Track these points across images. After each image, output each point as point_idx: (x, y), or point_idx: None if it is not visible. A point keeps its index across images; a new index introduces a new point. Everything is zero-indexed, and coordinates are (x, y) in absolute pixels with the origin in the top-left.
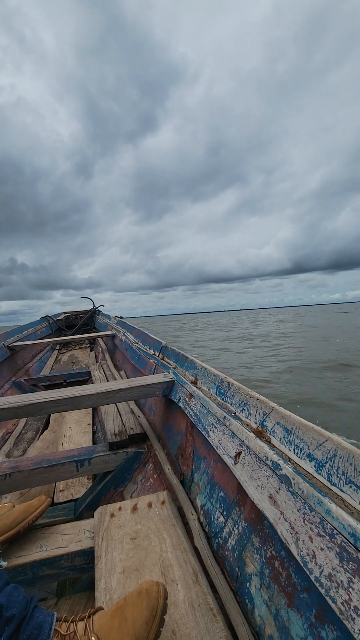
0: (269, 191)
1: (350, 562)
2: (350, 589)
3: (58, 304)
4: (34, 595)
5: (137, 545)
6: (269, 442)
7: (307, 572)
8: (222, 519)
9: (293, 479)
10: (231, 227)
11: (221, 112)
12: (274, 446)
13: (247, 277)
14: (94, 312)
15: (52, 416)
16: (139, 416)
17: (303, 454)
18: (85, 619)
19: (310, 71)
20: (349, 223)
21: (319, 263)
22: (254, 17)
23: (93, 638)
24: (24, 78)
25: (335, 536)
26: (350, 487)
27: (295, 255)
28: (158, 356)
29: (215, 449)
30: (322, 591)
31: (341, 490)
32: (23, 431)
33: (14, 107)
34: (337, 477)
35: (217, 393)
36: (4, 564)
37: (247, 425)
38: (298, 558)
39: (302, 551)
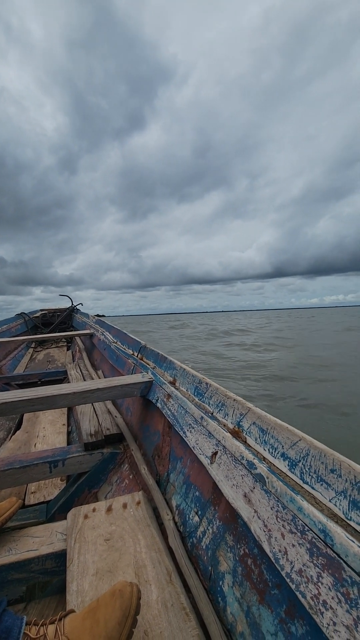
0: (252, 196)
1: (320, 557)
2: (319, 584)
3: (37, 300)
4: (3, 599)
5: (110, 546)
6: (244, 442)
7: (279, 569)
8: (197, 518)
9: (267, 478)
10: (215, 229)
11: (209, 115)
12: (250, 446)
13: (229, 279)
14: (72, 311)
15: (26, 416)
16: (115, 416)
17: (277, 453)
18: (55, 622)
19: (294, 81)
20: (328, 230)
21: (299, 268)
22: (243, 24)
23: None
24: (8, 68)
25: (306, 532)
26: (321, 484)
27: (276, 259)
28: (137, 356)
29: (192, 449)
30: (293, 586)
31: (312, 488)
32: None
33: None
34: (309, 475)
35: (195, 394)
36: None
37: (224, 425)
38: (270, 555)
39: (274, 548)
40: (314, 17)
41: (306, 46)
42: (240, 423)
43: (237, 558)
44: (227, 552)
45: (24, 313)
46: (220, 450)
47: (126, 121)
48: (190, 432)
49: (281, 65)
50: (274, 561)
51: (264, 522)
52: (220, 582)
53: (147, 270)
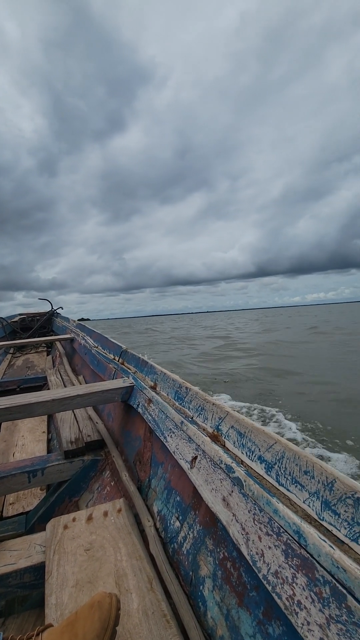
0: (234, 197)
1: (295, 558)
2: (294, 584)
3: (20, 305)
4: None
5: (91, 556)
6: (223, 446)
7: (256, 571)
8: (177, 523)
9: (245, 481)
10: (198, 230)
11: (188, 117)
12: (228, 449)
13: (213, 280)
14: (52, 315)
15: (3, 425)
16: (96, 422)
17: (254, 456)
18: (33, 637)
19: (271, 84)
20: (308, 230)
21: (281, 267)
22: (219, 26)
23: None
24: None
25: (282, 534)
26: (296, 486)
27: (258, 259)
28: (118, 361)
29: (173, 454)
30: (269, 588)
31: (287, 489)
32: None
33: None
34: (285, 477)
35: (176, 398)
36: None
37: (204, 429)
38: (248, 558)
39: (251, 551)
40: (288, 22)
41: (281, 50)
42: (219, 427)
43: (217, 562)
44: (208, 557)
45: (1, 318)
46: (200, 454)
47: (106, 123)
48: (171, 436)
49: (258, 69)
50: (251, 564)
51: (241, 525)
52: (201, 587)
53: (131, 272)
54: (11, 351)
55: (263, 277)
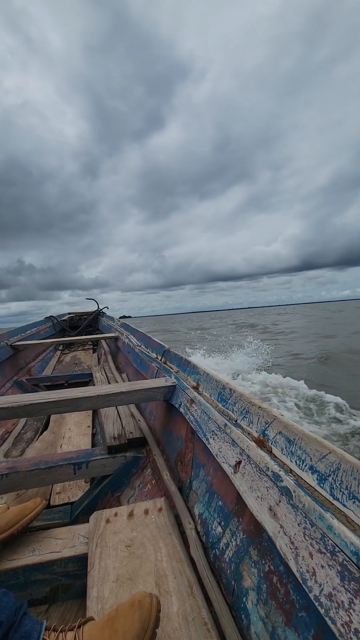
0: (276, 188)
1: (352, 582)
2: (351, 610)
3: (66, 304)
4: (24, 602)
5: (131, 553)
6: (270, 452)
7: (307, 590)
8: (219, 529)
9: (294, 492)
10: (238, 224)
11: (228, 109)
12: (275, 456)
13: (254, 274)
14: (98, 314)
15: (52, 417)
16: (139, 420)
17: (305, 465)
18: (75, 629)
19: (316, 66)
20: (359, 219)
21: (328, 260)
22: (259, 13)
23: None
24: (30, 79)
25: (337, 554)
26: (354, 502)
27: (303, 252)
28: (160, 360)
29: (215, 456)
30: (322, 611)
31: (344, 505)
32: (22, 431)
33: (20, 109)
34: (340, 491)
35: (219, 399)
36: None
37: (249, 433)
38: (297, 575)
39: (301, 568)
40: (331, 2)
41: (326, 30)
42: (266, 432)
43: (262, 574)
44: (251, 567)
45: (53, 316)
46: (244, 459)
47: (145, 122)
48: (214, 439)
49: (301, 52)
50: (301, 582)
51: (290, 538)
52: (244, 599)
53: (171, 269)
54: (60, 348)
55: (308, 271)
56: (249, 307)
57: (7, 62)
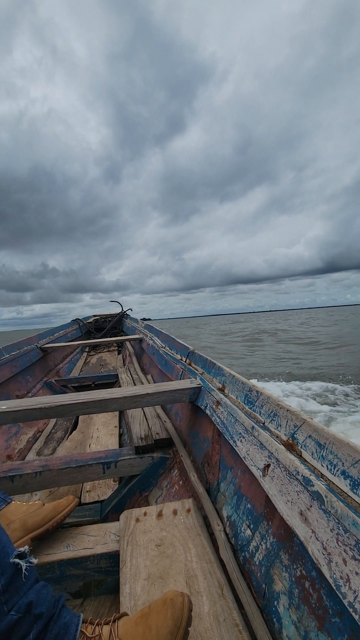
0: (299, 188)
1: None
2: None
3: (87, 306)
4: (62, 595)
5: (161, 552)
6: (300, 456)
7: (340, 596)
8: (249, 532)
9: (326, 497)
10: (259, 227)
11: (249, 110)
12: (306, 460)
13: (276, 277)
14: (122, 316)
15: (81, 417)
16: (165, 421)
17: (337, 470)
18: (110, 623)
19: (341, 63)
20: None
21: (354, 261)
22: (282, 11)
23: None
24: (55, 88)
25: None
26: None
27: (327, 253)
28: (185, 361)
29: (243, 459)
30: (356, 617)
31: None
32: (53, 430)
33: (45, 117)
34: None
35: (245, 402)
36: (35, 561)
37: (277, 436)
38: (330, 581)
39: (334, 574)
40: None
41: (353, 25)
42: (295, 435)
43: (294, 579)
44: (282, 572)
45: (79, 319)
46: (273, 462)
47: (166, 126)
48: (241, 441)
49: (325, 50)
50: (334, 588)
51: (322, 544)
52: (275, 602)
53: (191, 272)
54: (87, 350)
55: (332, 273)
56: (270, 310)
57: (34, 72)
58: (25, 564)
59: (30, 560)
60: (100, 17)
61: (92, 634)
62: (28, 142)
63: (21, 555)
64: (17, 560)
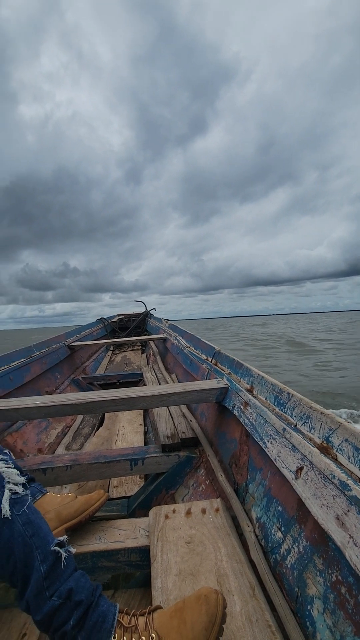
0: (323, 188)
1: None
2: None
3: (107, 306)
4: (99, 585)
5: (191, 550)
6: (335, 460)
7: None
8: (280, 534)
9: None
10: (280, 228)
11: (272, 109)
12: (342, 464)
13: (297, 279)
14: (145, 315)
15: (107, 414)
16: (190, 420)
17: None
18: (145, 615)
19: None
20: None
21: None
22: (307, 8)
23: (153, 634)
24: (80, 92)
25: None
26: None
27: (351, 255)
28: (211, 361)
29: (274, 461)
30: None
31: None
32: (80, 426)
33: (70, 120)
34: None
35: (276, 403)
36: (73, 550)
37: (310, 439)
38: None
39: None
40: None
41: None
42: (330, 438)
43: (329, 584)
44: (316, 576)
45: (104, 318)
46: (307, 465)
47: (188, 127)
48: (271, 443)
49: (353, 45)
50: None
51: None
52: (309, 606)
53: (210, 273)
54: (111, 348)
55: (357, 276)
56: (290, 313)
57: (60, 77)
58: (65, 553)
59: (69, 550)
60: (125, 21)
61: (128, 623)
62: (53, 145)
63: (61, 544)
64: (57, 548)
